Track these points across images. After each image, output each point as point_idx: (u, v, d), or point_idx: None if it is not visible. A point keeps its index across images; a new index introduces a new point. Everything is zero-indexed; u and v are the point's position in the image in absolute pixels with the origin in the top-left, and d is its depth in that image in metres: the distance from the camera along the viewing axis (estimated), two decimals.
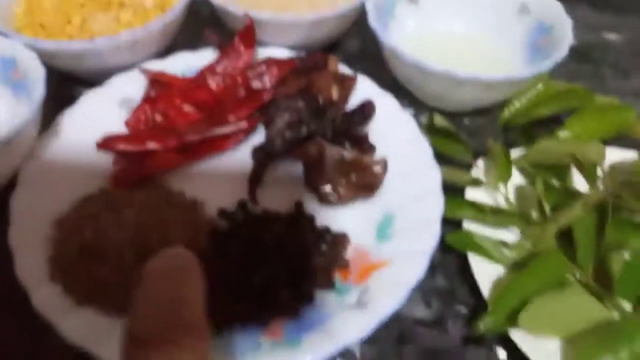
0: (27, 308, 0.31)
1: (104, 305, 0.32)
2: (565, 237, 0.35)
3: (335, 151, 0.39)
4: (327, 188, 0.39)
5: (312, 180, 0.39)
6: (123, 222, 0.34)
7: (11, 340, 0.33)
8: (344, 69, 0.45)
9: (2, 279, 0.34)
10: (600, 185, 0.38)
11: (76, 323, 0.30)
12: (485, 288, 0.34)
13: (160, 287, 0.19)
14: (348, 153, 0.39)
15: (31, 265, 0.33)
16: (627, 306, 0.33)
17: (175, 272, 0.20)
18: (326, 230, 0.37)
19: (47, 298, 0.31)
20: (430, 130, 0.43)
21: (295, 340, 0.31)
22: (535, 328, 0.31)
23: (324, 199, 0.39)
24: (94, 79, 0.44)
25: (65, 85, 0.46)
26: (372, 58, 0.51)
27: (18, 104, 0.42)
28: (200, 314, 0.19)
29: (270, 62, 0.43)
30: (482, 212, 0.37)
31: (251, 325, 0.32)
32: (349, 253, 0.36)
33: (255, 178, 0.39)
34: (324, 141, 0.40)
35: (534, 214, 0.37)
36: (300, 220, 0.38)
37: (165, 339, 0.18)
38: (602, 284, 0.33)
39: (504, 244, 0.36)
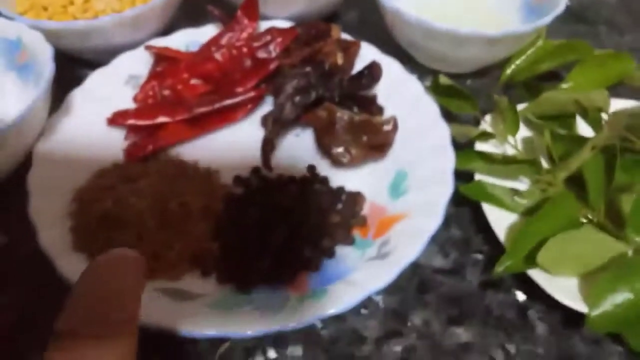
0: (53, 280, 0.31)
1: None
2: (574, 183, 0.36)
3: (345, 114, 0.40)
4: (340, 150, 0.39)
5: (324, 143, 0.40)
6: (140, 191, 0.35)
7: (38, 310, 0.34)
8: (346, 36, 0.46)
9: (26, 253, 0.34)
10: (605, 131, 0.39)
11: None
12: (500, 234, 0.35)
13: (94, 284, 0.19)
14: (357, 115, 0.40)
15: (54, 237, 0.33)
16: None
17: (113, 270, 0.20)
18: (341, 190, 0.38)
19: (72, 266, 0.32)
20: (435, 90, 0.43)
21: (321, 292, 0.32)
22: (553, 267, 0.32)
23: (336, 161, 0.39)
24: (98, 59, 0.45)
25: (70, 66, 0.47)
26: (371, 27, 0.51)
27: (24, 86, 0.42)
28: (130, 312, 0.19)
29: (274, 31, 0.44)
30: (493, 162, 0.37)
31: (276, 282, 0.33)
32: (366, 210, 0.37)
33: (268, 144, 0.39)
34: (332, 105, 0.40)
35: (544, 163, 0.38)
36: (314, 181, 0.39)
37: (85, 333, 0.18)
38: (614, 223, 0.34)
39: (516, 192, 0.37)
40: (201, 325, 0.29)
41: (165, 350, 0.31)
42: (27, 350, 0.32)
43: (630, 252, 0.33)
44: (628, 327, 0.31)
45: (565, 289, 0.32)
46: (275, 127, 0.40)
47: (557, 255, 0.32)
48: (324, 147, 0.40)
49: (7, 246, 0.36)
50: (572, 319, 0.32)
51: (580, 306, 0.31)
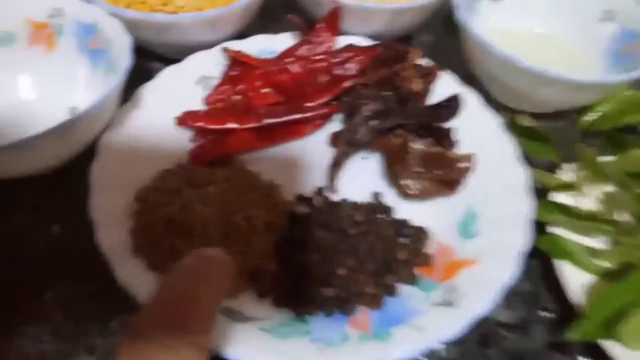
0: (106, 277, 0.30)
1: None
2: None
3: (419, 144, 0.38)
4: (409, 181, 0.38)
5: (393, 172, 0.38)
6: (207, 198, 0.34)
7: (84, 311, 0.33)
8: (423, 61, 0.44)
9: (79, 248, 0.33)
10: None
11: None
12: (572, 294, 0.33)
13: (178, 286, 0.18)
14: (432, 147, 0.38)
15: (113, 237, 0.32)
16: None
17: (199, 272, 0.19)
18: (404, 223, 0.36)
19: (132, 273, 0.30)
20: (512, 129, 0.41)
21: (384, 333, 0.30)
22: (634, 341, 0.30)
23: (403, 192, 0.38)
24: (168, 54, 0.44)
25: (140, 60, 0.46)
26: (445, 52, 0.50)
27: (94, 72, 0.41)
28: (206, 320, 0.18)
29: (353, 49, 0.42)
30: (572, 216, 0.35)
31: (334, 311, 0.31)
32: (432, 249, 0.35)
33: (337, 165, 0.38)
34: (406, 134, 0.39)
35: (627, 222, 0.36)
36: (378, 210, 0.37)
37: (162, 337, 0.17)
38: None
39: (593, 250, 0.35)
40: (255, 351, 0.28)
41: None
42: (70, 350, 0.31)
43: None
44: None
45: None
46: (347, 148, 0.38)
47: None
48: (392, 175, 0.38)
49: (61, 238, 0.36)
50: None
51: None
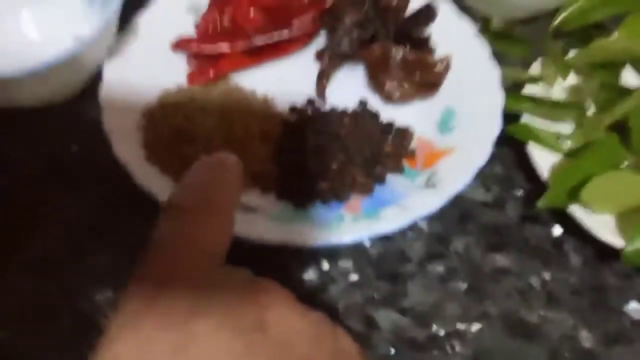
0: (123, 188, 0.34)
1: None
2: (617, 130, 0.38)
3: (399, 51, 0.41)
4: (392, 86, 0.41)
5: (377, 79, 0.41)
6: (207, 110, 0.37)
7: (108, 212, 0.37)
8: None
9: (98, 162, 0.37)
10: None
11: None
12: (543, 172, 0.37)
13: (204, 174, 0.22)
14: (411, 53, 0.41)
15: (128, 149, 0.36)
16: None
17: (218, 166, 0.22)
18: (391, 124, 0.40)
19: (147, 176, 0.34)
20: (485, 33, 0.44)
21: (373, 213, 0.34)
22: (596, 203, 0.34)
23: (387, 97, 0.41)
24: None
25: None
26: None
27: (90, 4, 0.44)
28: (229, 199, 0.21)
29: None
30: (541, 105, 0.39)
31: (332, 200, 0.35)
32: (414, 144, 0.39)
33: (324, 75, 0.41)
34: (388, 42, 0.42)
35: (589, 109, 0.39)
36: (365, 115, 0.40)
37: (196, 208, 0.20)
38: None
39: (560, 134, 0.38)
40: (263, 234, 0.32)
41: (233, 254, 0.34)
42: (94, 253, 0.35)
43: None
44: None
45: (602, 225, 0.34)
46: (332, 59, 0.41)
47: (600, 193, 0.34)
48: (376, 82, 0.42)
49: (79, 154, 0.39)
50: (605, 253, 0.35)
51: (615, 241, 0.34)
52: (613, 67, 0.41)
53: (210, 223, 0.20)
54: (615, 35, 0.43)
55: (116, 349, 0.16)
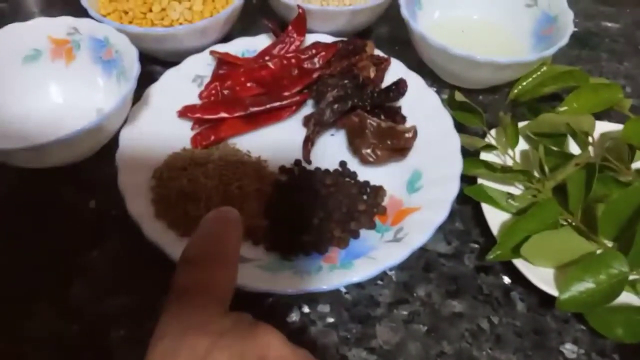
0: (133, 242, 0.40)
1: None
2: (560, 192, 0.44)
3: (374, 121, 0.48)
4: (368, 150, 0.47)
5: (355, 144, 0.48)
6: (208, 173, 0.43)
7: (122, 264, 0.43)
8: (378, 52, 0.54)
9: (112, 218, 0.43)
10: (590, 151, 0.46)
11: (180, 248, 0.39)
12: (494, 229, 0.43)
13: (211, 229, 0.26)
14: (384, 123, 0.48)
15: (139, 206, 0.42)
16: (608, 244, 0.41)
17: (222, 222, 0.27)
18: (366, 184, 0.46)
19: (156, 231, 0.40)
20: (450, 104, 0.51)
21: (348, 264, 0.40)
22: (534, 258, 0.40)
23: (364, 160, 0.47)
24: (168, 59, 0.53)
25: (144, 65, 0.55)
26: (400, 42, 0.59)
27: (108, 79, 0.51)
28: (233, 251, 0.26)
29: (318, 46, 0.51)
30: (493, 170, 0.45)
31: (313, 253, 0.41)
32: (386, 202, 0.45)
33: (309, 141, 0.48)
34: (364, 113, 0.48)
35: (536, 173, 0.46)
36: (345, 175, 0.47)
37: (207, 260, 0.24)
38: (589, 227, 0.42)
39: (511, 195, 0.45)
40: (254, 282, 0.38)
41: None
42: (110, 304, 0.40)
43: (598, 252, 0.41)
44: (589, 310, 0.39)
45: (542, 277, 0.40)
46: (316, 128, 0.48)
47: (538, 249, 0.40)
48: (354, 147, 0.48)
49: (96, 210, 0.45)
50: (547, 301, 0.40)
51: (553, 291, 0.39)
52: (558, 136, 0.48)
53: (219, 273, 0.25)
54: (560, 109, 0.50)
55: None
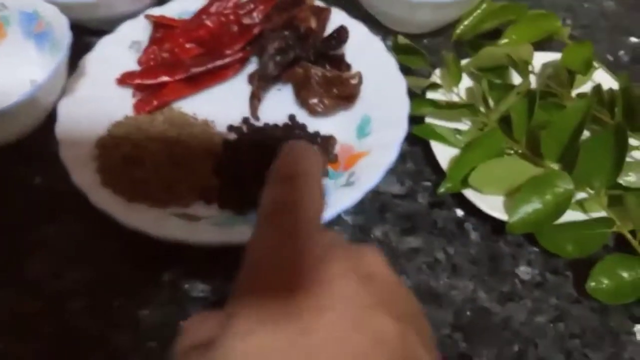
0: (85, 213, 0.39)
1: (148, 201, 0.40)
2: (506, 123, 0.45)
3: (318, 71, 0.47)
4: (315, 101, 0.47)
5: (301, 96, 0.48)
6: (153, 136, 0.43)
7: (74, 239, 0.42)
8: (319, 3, 0.53)
9: (60, 191, 0.42)
10: (532, 80, 0.47)
11: (131, 213, 0.39)
12: (444, 165, 0.44)
13: (295, 152, 0.25)
14: (329, 72, 0.48)
15: (84, 177, 0.41)
16: (554, 166, 0.43)
17: (303, 145, 0.26)
18: (317, 134, 0.46)
19: (104, 199, 0.39)
20: (395, 49, 0.51)
21: None
22: (482, 186, 0.41)
23: (312, 111, 0.47)
24: (103, 27, 0.51)
25: (78, 34, 0.53)
26: None
27: (41, 52, 0.49)
28: (319, 170, 0.25)
29: (257, 0, 0.50)
30: (440, 107, 0.46)
31: None
32: (337, 149, 0.45)
33: (255, 97, 0.47)
34: (308, 64, 0.48)
35: (482, 108, 0.46)
36: (294, 127, 0.47)
37: (297, 179, 0.23)
38: (534, 152, 0.43)
39: (458, 131, 0.45)
40: (208, 237, 0.38)
41: (186, 261, 0.40)
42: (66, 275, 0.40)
43: (544, 173, 0.42)
44: (538, 229, 0.40)
45: (493, 205, 0.41)
46: (260, 83, 0.47)
47: (486, 177, 0.41)
48: (301, 99, 0.48)
49: (42, 186, 0.44)
50: (499, 228, 0.41)
51: (504, 217, 0.40)
52: (500, 69, 0.48)
53: (311, 191, 0.24)
54: (500, 42, 0.50)
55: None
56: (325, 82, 0.47)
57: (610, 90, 0.45)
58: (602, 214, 0.40)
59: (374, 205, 0.44)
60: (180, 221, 0.39)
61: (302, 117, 0.48)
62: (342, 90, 0.47)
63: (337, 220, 0.42)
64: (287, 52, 0.47)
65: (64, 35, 0.44)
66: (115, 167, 0.41)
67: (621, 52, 0.58)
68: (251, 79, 0.49)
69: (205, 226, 0.39)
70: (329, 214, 0.39)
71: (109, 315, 0.38)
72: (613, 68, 0.51)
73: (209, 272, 0.40)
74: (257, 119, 0.47)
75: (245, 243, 0.23)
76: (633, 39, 0.59)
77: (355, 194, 0.40)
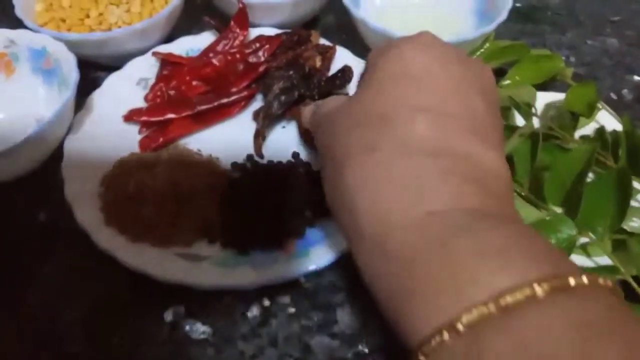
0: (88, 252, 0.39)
1: (152, 239, 0.40)
2: (509, 165, 0.45)
3: None
4: None
5: (305, 134, 0.48)
6: (156, 175, 0.43)
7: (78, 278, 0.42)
8: (324, 41, 0.54)
9: (64, 229, 0.42)
10: (535, 121, 0.47)
11: (134, 254, 0.39)
12: None
13: None
14: None
15: (88, 215, 0.41)
16: (557, 210, 0.42)
17: None
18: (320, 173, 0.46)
19: (107, 238, 0.40)
20: None
21: (304, 253, 0.40)
22: None
23: (316, 148, 0.47)
24: (111, 63, 0.52)
25: (86, 70, 0.54)
26: (346, 29, 0.59)
27: (50, 89, 0.50)
28: None
29: (262, 39, 0.51)
30: None
31: (269, 245, 0.41)
32: None
33: (259, 135, 0.47)
34: (312, 102, 0.48)
35: None
36: (298, 165, 0.47)
37: None
38: (537, 195, 0.43)
39: None
40: (209, 279, 0.38)
41: (188, 300, 0.40)
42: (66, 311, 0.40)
43: (547, 218, 0.42)
44: None
45: None
46: (265, 121, 0.48)
47: None
48: (305, 136, 0.48)
49: (46, 223, 0.44)
50: None
51: None
52: (502, 110, 0.49)
53: None
54: (503, 83, 0.51)
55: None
56: None
57: (614, 132, 0.45)
58: (606, 258, 0.40)
59: None
60: (183, 262, 0.39)
61: (307, 155, 0.48)
62: None
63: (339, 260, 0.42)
64: (292, 91, 0.48)
65: (72, 73, 0.45)
66: (119, 206, 0.41)
67: (625, 91, 0.58)
68: (256, 116, 0.49)
69: (207, 266, 0.39)
70: (330, 256, 0.39)
71: (107, 352, 0.38)
72: (616, 107, 0.51)
73: (211, 313, 0.40)
74: (261, 156, 0.48)
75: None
76: (637, 77, 0.59)
77: None
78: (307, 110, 0.37)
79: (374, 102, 0.28)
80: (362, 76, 0.31)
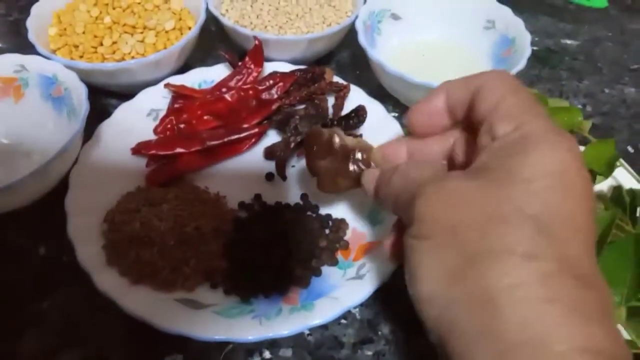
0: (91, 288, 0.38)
1: (153, 283, 0.39)
2: None
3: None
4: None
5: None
6: (162, 214, 0.42)
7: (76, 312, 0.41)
8: (337, 79, 0.53)
9: (64, 264, 0.41)
10: None
11: (134, 298, 0.38)
12: None
13: None
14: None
15: (89, 253, 0.40)
16: None
17: None
18: (329, 217, 0.45)
19: (107, 280, 0.38)
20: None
21: (309, 305, 0.39)
22: None
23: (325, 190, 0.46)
24: (122, 92, 0.51)
25: (97, 97, 0.53)
26: (361, 66, 0.59)
27: (58, 117, 0.49)
28: None
29: (276, 76, 0.50)
30: None
31: (272, 294, 0.40)
32: (349, 235, 0.44)
33: (281, 160, 0.46)
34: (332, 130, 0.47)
35: None
36: (306, 208, 0.46)
37: None
38: None
39: None
40: (210, 331, 0.37)
41: (187, 349, 0.39)
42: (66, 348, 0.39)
43: None
44: None
45: None
46: (286, 150, 0.47)
47: None
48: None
49: (46, 257, 0.43)
50: None
51: None
52: None
53: None
54: None
55: None
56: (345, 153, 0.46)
57: (631, 191, 0.44)
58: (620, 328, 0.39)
59: (383, 298, 0.42)
60: (184, 310, 0.38)
61: (315, 195, 0.47)
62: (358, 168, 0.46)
63: (344, 314, 0.41)
64: (309, 121, 0.47)
65: (82, 103, 0.44)
66: (122, 246, 0.40)
67: None
68: (269, 153, 0.48)
69: (209, 315, 0.38)
70: (336, 311, 0.38)
71: None
72: (633, 161, 0.50)
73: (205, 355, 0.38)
74: (284, 179, 0.47)
75: None
76: None
77: (365, 289, 0.39)
78: (371, 175, 0.37)
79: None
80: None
